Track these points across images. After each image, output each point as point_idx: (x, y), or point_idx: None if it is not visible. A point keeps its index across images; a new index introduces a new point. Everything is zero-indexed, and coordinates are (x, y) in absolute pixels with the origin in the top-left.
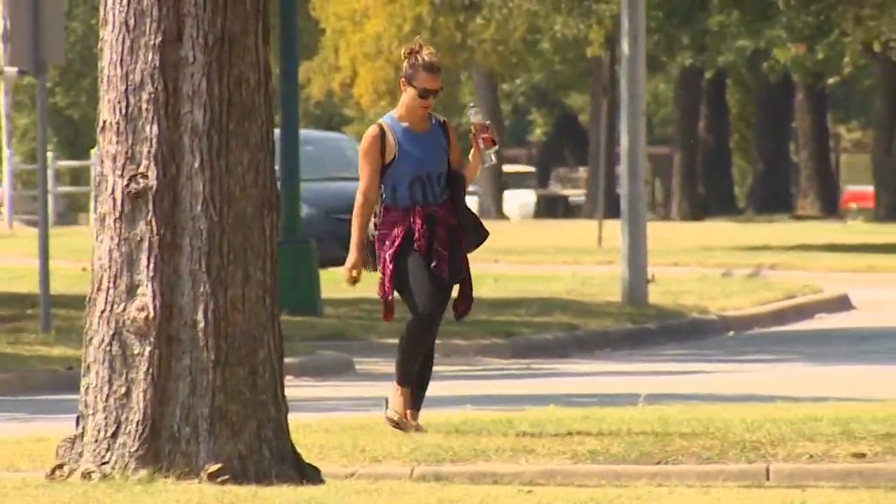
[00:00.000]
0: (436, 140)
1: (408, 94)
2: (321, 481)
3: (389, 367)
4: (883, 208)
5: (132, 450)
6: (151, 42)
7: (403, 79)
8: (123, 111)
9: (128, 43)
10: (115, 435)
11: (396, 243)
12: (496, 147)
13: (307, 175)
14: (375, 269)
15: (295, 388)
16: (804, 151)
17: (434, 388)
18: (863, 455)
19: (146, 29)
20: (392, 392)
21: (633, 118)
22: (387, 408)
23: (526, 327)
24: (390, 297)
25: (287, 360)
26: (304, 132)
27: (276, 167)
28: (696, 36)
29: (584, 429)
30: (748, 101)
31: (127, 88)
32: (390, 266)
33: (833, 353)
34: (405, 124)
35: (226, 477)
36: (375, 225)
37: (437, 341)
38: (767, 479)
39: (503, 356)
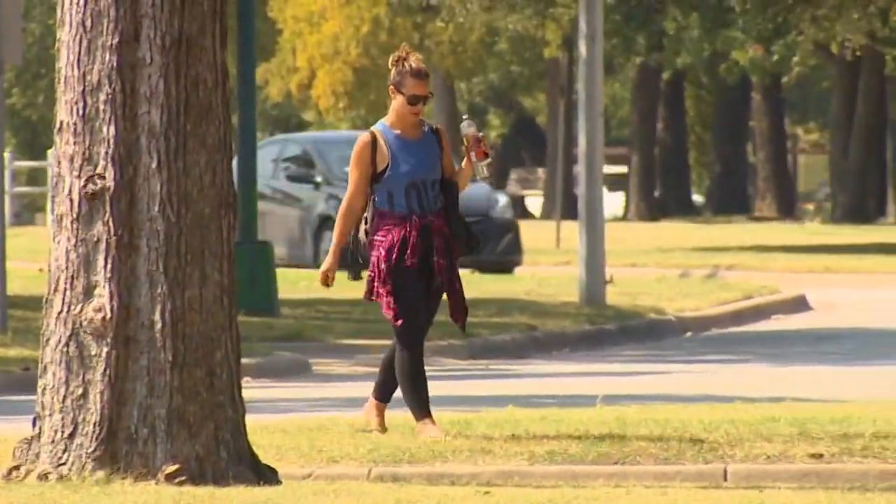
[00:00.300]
0: (429, 147)
1: (397, 102)
2: (278, 482)
3: (346, 368)
4: (840, 209)
5: (89, 451)
6: (108, 43)
7: (392, 86)
8: (80, 112)
9: (85, 44)
10: (72, 436)
11: (394, 256)
12: (489, 160)
13: None
14: (359, 278)
15: (252, 390)
16: (761, 152)
17: None
18: (820, 456)
19: (103, 30)
20: (419, 427)
21: (590, 119)
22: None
23: (484, 328)
24: (382, 298)
25: (244, 361)
26: None
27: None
28: (653, 38)
29: (542, 430)
30: (705, 102)
31: (84, 89)
32: (389, 281)
33: (790, 354)
34: (397, 131)
35: (183, 478)
36: (366, 232)
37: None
38: (725, 479)
39: (461, 357)
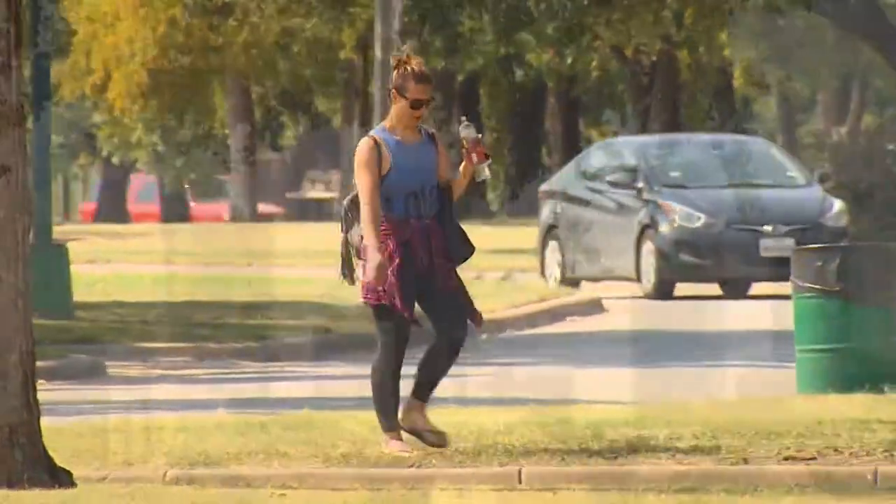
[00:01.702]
0: (428, 152)
1: (399, 106)
2: (73, 485)
3: (141, 370)
4: None
5: None
6: None
7: (394, 90)
8: None
9: None
10: None
11: (397, 261)
12: (489, 161)
13: (708, 182)
14: (353, 282)
15: (47, 392)
16: (556, 155)
17: (187, 392)
18: (615, 457)
19: None
20: (404, 411)
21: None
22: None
23: (279, 330)
24: (387, 303)
25: (39, 363)
26: (711, 136)
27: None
28: (449, 39)
29: (338, 432)
30: (502, 103)
31: None
32: (395, 282)
33: (585, 356)
34: (397, 137)
35: None
36: (361, 236)
37: (190, 345)
38: (520, 482)
39: (257, 359)
